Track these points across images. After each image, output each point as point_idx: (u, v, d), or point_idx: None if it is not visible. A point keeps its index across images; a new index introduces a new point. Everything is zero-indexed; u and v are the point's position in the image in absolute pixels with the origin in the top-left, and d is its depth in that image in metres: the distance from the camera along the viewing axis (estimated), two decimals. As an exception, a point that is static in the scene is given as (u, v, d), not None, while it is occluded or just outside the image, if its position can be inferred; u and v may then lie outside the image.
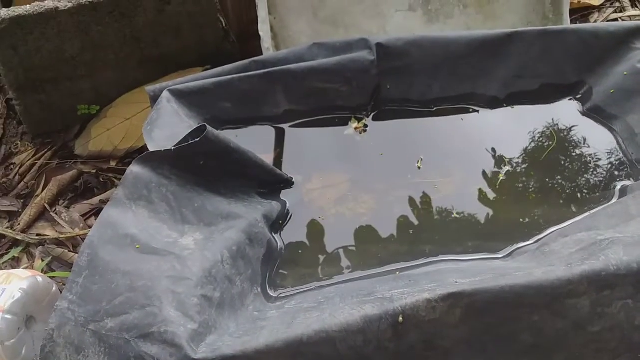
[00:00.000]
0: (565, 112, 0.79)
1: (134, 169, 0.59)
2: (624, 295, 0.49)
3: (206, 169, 0.63)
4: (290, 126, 0.79)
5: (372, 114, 0.80)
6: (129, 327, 0.50)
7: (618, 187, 0.70)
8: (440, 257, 0.64)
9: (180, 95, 0.71)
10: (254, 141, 0.76)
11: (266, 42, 0.87)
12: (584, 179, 0.72)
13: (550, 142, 0.76)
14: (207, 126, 0.58)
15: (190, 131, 0.60)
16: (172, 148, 0.59)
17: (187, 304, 0.51)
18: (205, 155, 0.61)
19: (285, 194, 0.73)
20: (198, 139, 0.58)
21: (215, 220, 0.60)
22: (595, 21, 1.23)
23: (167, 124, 0.67)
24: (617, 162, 0.73)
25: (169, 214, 0.59)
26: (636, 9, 1.28)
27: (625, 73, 0.75)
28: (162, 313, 0.50)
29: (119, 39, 0.89)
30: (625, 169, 0.72)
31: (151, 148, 0.63)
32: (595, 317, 0.49)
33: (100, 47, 0.89)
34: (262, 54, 0.88)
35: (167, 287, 0.52)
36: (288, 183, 0.72)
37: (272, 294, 0.61)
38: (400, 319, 0.48)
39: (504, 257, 0.63)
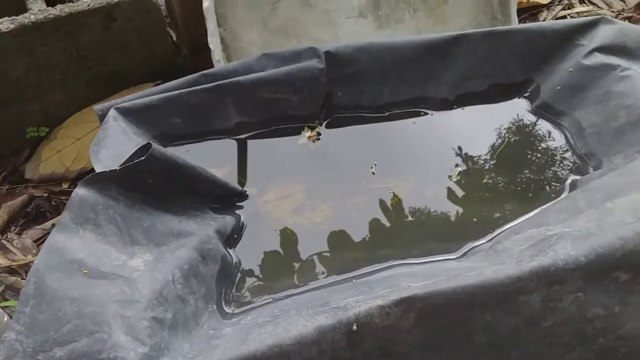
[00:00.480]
0: (515, 110, 0.80)
1: (80, 191, 0.58)
2: (574, 289, 0.50)
3: (155, 187, 0.62)
4: (242, 138, 0.78)
5: (325, 122, 0.80)
6: (78, 355, 0.48)
7: (568, 182, 0.71)
8: (397, 261, 0.64)
9: (127, 113, 0.70)
10: (207, 156, 0.75)
11: (217, 54, 0.86)
12: (535, 175, 0.73)
13: (501, 141, 0.77)
14: (152, 144, 0.57)
15: (135, 150, 0.59)
16: (118, 168, 0.58)
17: (137, 328, 0.50)
18: (153, 174, 0.60)
19: (240, 208, 0.72)
20: (143, 157, 0.57)
21: (166, 239, 0.59)
22: (545, 19, 1.26)
23: (114, 143, 0.66)
24: (566, 157, 0.74)
25: (117, 236, 0.58)
26: (584, 4, 1.31)
27: (570, 69, 0.77)
28: (111, 338, 0.48)
29: (65, 58, 0.87)
30: (575, 164, 0.73)
31: (98, 169, 0.62)
32: (547, 312, 0.49)
33: (46, 68, 0.87)
34: (213, 66, 0.87)
35: (116, 311, 0.51)
36: (242, 196, 0.71)
37: (228, 311, 0.60)
38: (354, 327, 0.48)
39: (458, 257, 0.63)
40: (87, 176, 0.59)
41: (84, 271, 0.54)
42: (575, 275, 0.50)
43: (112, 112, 0.69)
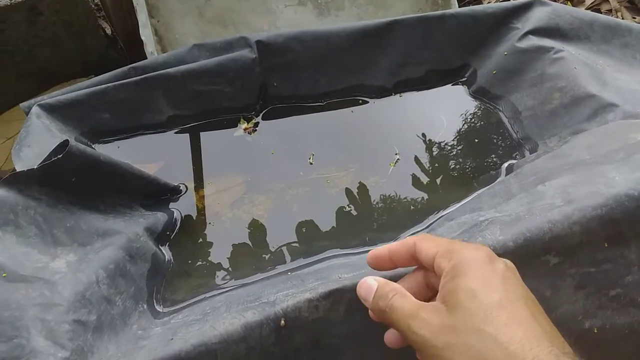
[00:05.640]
0: (452, 96, 0.80)
1: (-3, 192, 0.55)
2: (504, 274, 0.49)
3: (80, 185, 0.59)
4: (176, 132, 0.76)
5: (262, 113, 0.78)
6: (-4, 361, 0.46)
7: (505, 166, 0.71)
8: (334, 252, 0.64)
9: (52, 110, 0.67)
10: (139, 151, 0.73)
11: (149, 46, 0.84)
12: (473, 160, 0.73)
13: (440, 127, 0.77)
14: (70, 141, 0.55)
15: (54, 148, 0.56)
16: (35, 167, 0.55)
17: (57, 331, 0.48)
18: (75, 172, 0.58)
19: (177, 203, 0.70)
20: (60, 155, 0.55)
21: (91, 239, 0.57)
22: (489, 2, 1.26)
23: (37, 142, 0.63)
24: (503, 142, 0.74)
25: (38, 238, 0.55)
26: (528, -11, 1.32)
27: (505, 53, 0.77)
28: (30, 344, 0.46)
29: (-11, 54, 0.84)
30: (511, 148, 0.74)
31: (18, 168, 0.59)
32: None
33: (-30, 65, 0.84)
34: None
35: (35, 315, 0.49)
36: (175, 192, 0.69)
37: (159, 310, 0.58)
38: (282, 322, 0.47)
39: (395, 246, 0.63)
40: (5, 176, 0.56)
41: (3, 274, 0.52)
42: (506, 260, 0.49)
43: (34, 109, 0.66)
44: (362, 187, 0.71)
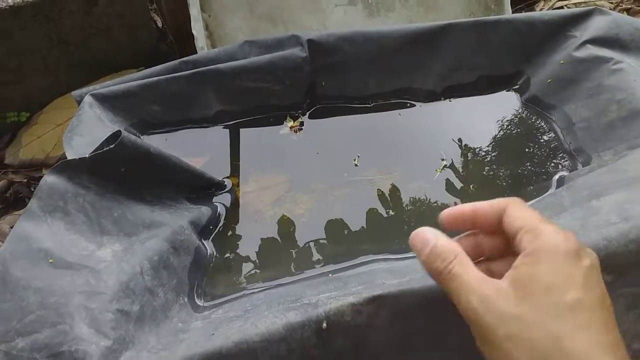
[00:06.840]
0: (504, 103, 0.78)
1: (49, 179, 0.56)
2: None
3: (128, 176, 0.60)
4: (223, 127, 0.76)
5: (308, 112, 0.78)
6: (40, 346, 0.47)
7: (556, 178, 0.69)
8: (375, 257, 0.63)
9: (104, 100, 0.68)
10: (186, 144, 0.73)
11: (200, 41, 0.84)
12: (523, 170, 0.71)
13: (489, 135, 0.75)
14: (122, 131, 0.55)
15: (105, 137, 0.57)
16: (87, 156, 0.56)
17: (101, 320, 0.49)
18: (125, 162, 0.58)
19: (219, 198, 0.70)
20: (112, 145, 0.55)
21: (136, 229, 0.58)
22: (542, 9, 1.23)
23: (88, 131, 0.64)
24: (555, 153, 0.72)
25: (86, 225, 0.56)
26: (583, -4, 1.28)
27: (561, 62, 0.75)
28: (73, 331, 0.47)
29: (45, 43, 0.85)
30: (564, 159, 0.71)
31: (69, 156, 0.60)
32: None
33: (27, 52, 0.85)
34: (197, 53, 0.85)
35: (80, 303, 0.49)
36: (220, 187, 0.70)
37: (199, 304, 0.58)
38: (324, 324, 0.46)
39: (439, 254, 0.62)
40: (56, 163, 0.57)
41: (50, 260, 0.52)
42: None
43: (87, 98, 0.67)
44: (406, 191, 0.70)
